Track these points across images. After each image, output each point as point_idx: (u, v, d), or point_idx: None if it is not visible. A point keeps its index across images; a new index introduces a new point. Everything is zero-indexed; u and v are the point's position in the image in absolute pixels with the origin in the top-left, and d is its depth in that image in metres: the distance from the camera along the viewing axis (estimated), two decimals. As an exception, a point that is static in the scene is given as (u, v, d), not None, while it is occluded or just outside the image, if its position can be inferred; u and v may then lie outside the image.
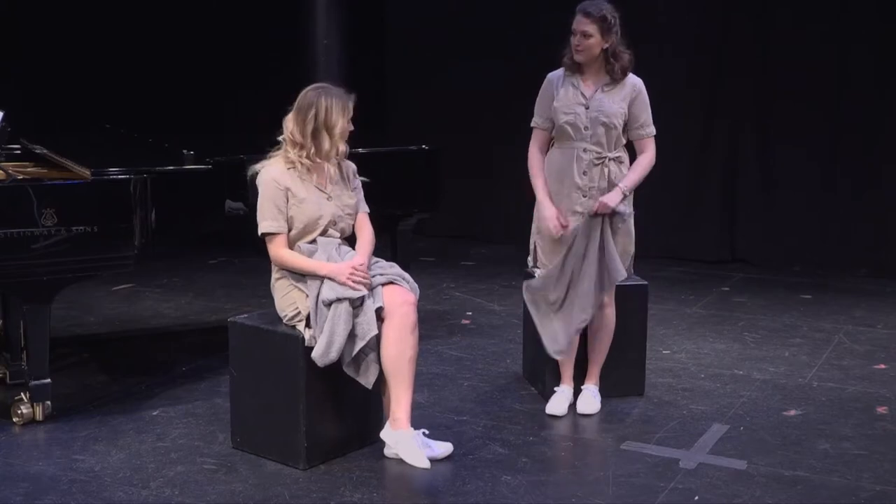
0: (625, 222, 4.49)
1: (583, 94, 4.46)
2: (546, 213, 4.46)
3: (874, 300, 6.65)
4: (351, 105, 3.99)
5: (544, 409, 4.61)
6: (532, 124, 4.61)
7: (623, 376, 4.79)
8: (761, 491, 3.85)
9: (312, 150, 3.97)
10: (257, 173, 4.06)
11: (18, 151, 5.01)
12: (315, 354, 3.83)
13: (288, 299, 3.99)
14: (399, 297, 3.95)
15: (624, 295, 4.73)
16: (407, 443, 3.93)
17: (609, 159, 4.46)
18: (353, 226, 4.16)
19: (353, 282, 3.84)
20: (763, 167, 7.54)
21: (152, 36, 8.03)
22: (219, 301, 6.40)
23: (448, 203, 6.01)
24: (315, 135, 3.94)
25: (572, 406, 4.62)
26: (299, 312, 3.95)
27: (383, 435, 4.00)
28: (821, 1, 7.29)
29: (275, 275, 4.06)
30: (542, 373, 4.80)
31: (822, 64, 7.34)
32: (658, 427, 4.48)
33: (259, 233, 4.01)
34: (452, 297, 6.69)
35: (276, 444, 4.04)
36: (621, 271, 4.46)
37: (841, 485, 3.90)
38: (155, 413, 4.55)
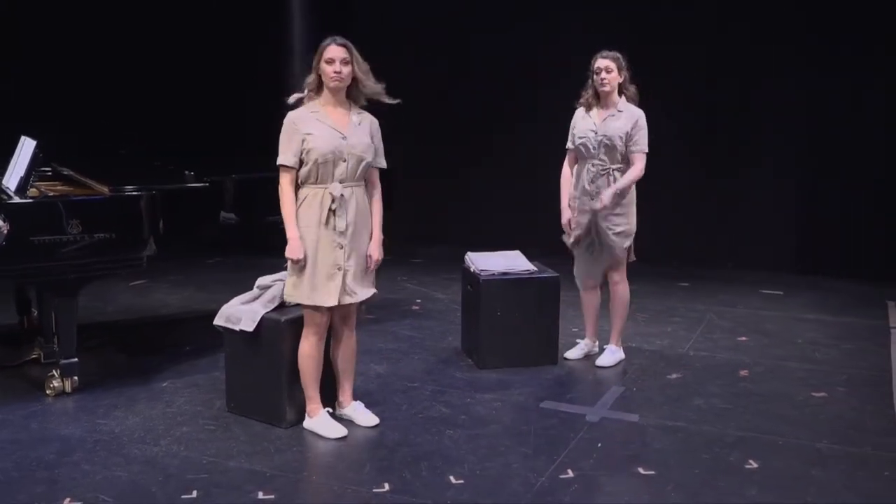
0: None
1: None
2: None
3: (735, 287, 6.69)
4: (329, 47, 3.68)
5: (480, 377, 4.58)
6: None
7: (540, 348, 4.77)
8: (650, 438, 3.87)
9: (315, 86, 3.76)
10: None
11: (50, 173, 4.92)
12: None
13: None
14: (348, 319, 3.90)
15: (541, 284, 4.74)
16: (362, 412, 3.98)
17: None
18: (368, 180, 3.86)
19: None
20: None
21: (152, 38, 7.37)
22: (215, 293, 6.26)
23: (402, 211, 5.91)
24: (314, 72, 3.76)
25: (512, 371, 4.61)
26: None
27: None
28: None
29: None
30: (477, 348, 4.78)
31: (690, 68, 7.00)
32: (569, 389, 4.48)
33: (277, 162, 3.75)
34: (405, 288, 6.64)
35: (263, 408, 3.98)
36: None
37: (712, 432, 3.93)
38: (164, 384, 4.47)
